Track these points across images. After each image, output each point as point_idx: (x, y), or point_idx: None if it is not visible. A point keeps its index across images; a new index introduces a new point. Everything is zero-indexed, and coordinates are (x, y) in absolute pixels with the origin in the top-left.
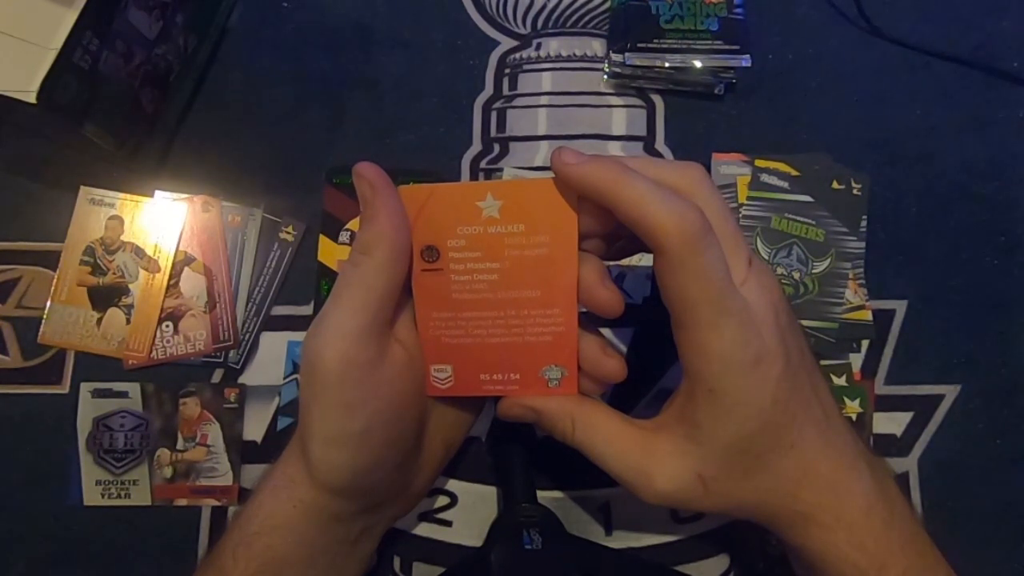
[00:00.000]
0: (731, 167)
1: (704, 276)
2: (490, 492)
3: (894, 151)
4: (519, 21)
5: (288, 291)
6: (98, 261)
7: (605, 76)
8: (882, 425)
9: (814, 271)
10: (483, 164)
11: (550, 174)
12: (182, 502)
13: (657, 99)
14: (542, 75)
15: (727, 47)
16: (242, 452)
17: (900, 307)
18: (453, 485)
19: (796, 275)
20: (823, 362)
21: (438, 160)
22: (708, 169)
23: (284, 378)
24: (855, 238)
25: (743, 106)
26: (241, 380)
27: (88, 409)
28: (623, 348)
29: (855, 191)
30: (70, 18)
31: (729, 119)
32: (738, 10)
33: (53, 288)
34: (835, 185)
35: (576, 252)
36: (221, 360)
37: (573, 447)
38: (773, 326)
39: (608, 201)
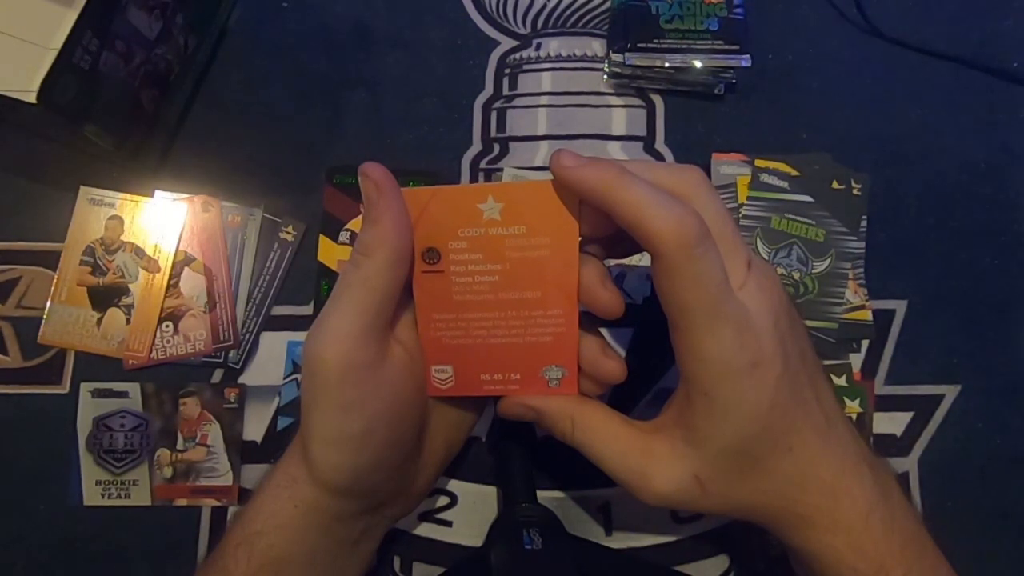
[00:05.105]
0: (731, 167)
1: (700, 281)
2: (490, 492)
3: (894, 151)
4: (519, 21)
5: (288, 291)
6: (98, 261)
7: (605, 76)
8: (882, 425)
9: (814, 271)
10: (483, 164)
11: (550, 175)
12: (182, 502)
13: (657, 99)
14: (542, 75)
15: (727, 47)
16: (242, 452)
17: (900, 307)
18: (453, 485)
19: (796, 275)
20: (823, 362)
21: (438, 160)
22: (708, 169)
23: (284, 378)
24: (855, 238)
25: (743, 106)
26: (241, 380)
27: (88, 409)
28: (622, 350)
29: (855, 191)
30: (70, 18)
31: (729, 119)
32: (738, 10)
33: (53, 288)
34: (835, 185)
35: (577, 254)
36: (221, 360)
37: (572, 447)
38: (771, 330)
39: (605, 204)
